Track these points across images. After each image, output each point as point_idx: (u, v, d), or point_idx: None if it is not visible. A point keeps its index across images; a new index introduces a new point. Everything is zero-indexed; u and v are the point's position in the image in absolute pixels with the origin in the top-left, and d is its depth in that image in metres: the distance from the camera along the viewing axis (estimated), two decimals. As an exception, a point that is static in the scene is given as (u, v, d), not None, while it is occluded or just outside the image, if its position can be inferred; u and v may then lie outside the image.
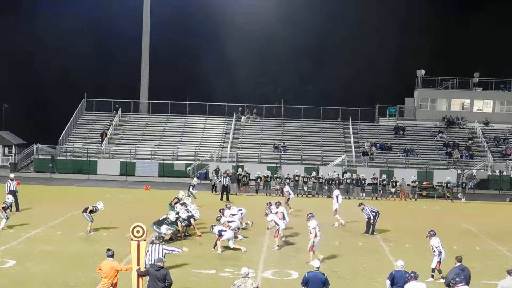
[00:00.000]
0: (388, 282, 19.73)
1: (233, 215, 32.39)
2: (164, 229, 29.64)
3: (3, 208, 33.31)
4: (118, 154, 70.99)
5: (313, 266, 19.59)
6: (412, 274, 18.80)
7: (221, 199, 48.89)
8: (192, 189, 43.93)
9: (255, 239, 32.10)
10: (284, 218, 31.01)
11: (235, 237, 30.56)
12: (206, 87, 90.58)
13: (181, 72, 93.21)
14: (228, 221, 30.70)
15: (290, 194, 43.34)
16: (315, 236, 27.25)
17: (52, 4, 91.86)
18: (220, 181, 52.65)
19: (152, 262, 21.36)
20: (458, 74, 78.74)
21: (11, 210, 35.40)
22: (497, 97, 78.66)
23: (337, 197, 38.52)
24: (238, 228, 32.02)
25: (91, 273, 23.24)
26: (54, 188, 54.70)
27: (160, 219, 30.93)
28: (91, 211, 32.71)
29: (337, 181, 53.80)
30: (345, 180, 55.22)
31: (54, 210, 39.56)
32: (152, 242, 23.03)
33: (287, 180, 54.06)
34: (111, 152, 71.35)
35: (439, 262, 24.72)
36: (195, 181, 46.48)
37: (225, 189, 50.19)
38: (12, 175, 41.95)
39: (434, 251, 24.95)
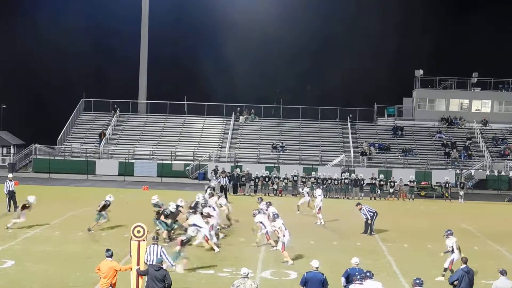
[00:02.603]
0: (343, 279, 19.76)
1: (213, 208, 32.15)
2: (190, 231, 28.83)
3: (24, 206, 33.30)
4: (117, 154, 71.01)
5: (312, 266, 19.58)
6: (368, 274, 18.81)
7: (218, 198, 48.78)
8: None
9: (254, 239, 32.09)
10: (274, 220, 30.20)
11: (217, 235, 30.64)
12: (204, 87, 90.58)
13: (180, 72, 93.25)
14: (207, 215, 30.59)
15: (305, 195, 42.51)
16: (284, 235, 27.45)
17: (50, 4, 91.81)
18: (219, 181, 52.54)
19: (150, 263, 21.37)
20: (457, 74, 78.84)
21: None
22: (495, 97, 78.70)
23: (319, 196, 38.71)
24: (219, 228, 31.99)
25: (90, 273, 23.25)
26: (52, 189, 54.68)
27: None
28: (104, 207, 32.87)
29: (328, 181, 54.27)
30: (343, 180, 55.30)
31: (53, 210, 39.55)
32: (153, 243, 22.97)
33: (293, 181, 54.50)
34: (110, 152, 71.36)
35: (451, 261, 24.84)
36: (213, 183, 45.78)
37: (223, 189, 50.12)
38: (10, 175, 41.92)
39: (451, 251, 25.21)
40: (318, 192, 39.27)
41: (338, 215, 41.00)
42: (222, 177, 51.38)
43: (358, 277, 18.62)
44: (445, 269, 24.95)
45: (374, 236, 34.22)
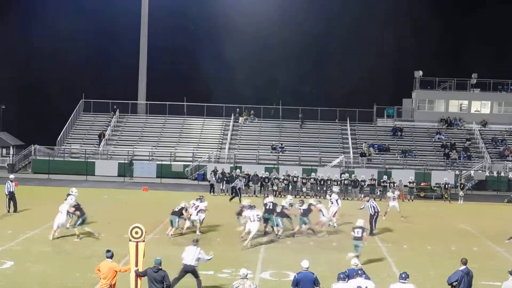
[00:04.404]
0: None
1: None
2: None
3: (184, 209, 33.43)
4: (116, 155, 70.94)
5: (302, 266, 19.59)
6: (360, 271, 18.84)
7: (230, 200, 48.14)
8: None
9: (254, 239, 32.09)
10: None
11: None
12: (203, 88, 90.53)
13: (179, 73, 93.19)
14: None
15: (337, 204, 38.41)
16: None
17: (51, 5, 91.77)
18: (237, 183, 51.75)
19: (187, 263, 22.05)
20: (456, 75, 78.88)
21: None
22: (495, 98, 78.70)
23: (336, 200, 38.29)
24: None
25: (89, 274, 23.27)
26: (51, 189, 54.64)
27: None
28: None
29: (328, 182, 54.46)
30: (343, 181, 55.27)
31: (52, 211, 39.47)
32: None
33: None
34: (109, 153, 71.32)
35: None
36: (336, 189, 44.41)
37: (239, 192, 49.38)
38: (12, 176, 41.95)
39: None
40: (335, 197, 38.74)
41: (338, 215, 40.92)
42: (239, 179, 50.80)
43: (342, 276, 18.60)
44: None
45: (373, 237, 34.22)
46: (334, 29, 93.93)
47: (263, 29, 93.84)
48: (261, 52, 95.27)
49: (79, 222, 31.57)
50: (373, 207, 35.10)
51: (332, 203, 37.90)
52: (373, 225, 35.02)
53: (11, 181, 39.74)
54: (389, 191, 46.46)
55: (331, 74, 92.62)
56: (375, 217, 35.06)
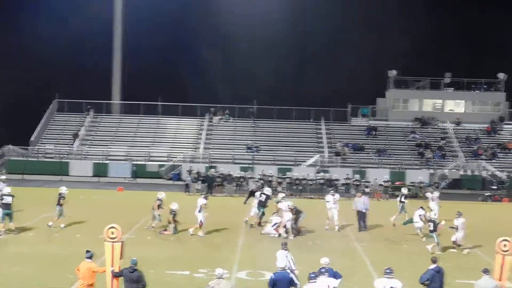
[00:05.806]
0: None
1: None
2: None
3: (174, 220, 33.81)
4: (91, 155, 70.61)
5: (278, 267, 19.64)
6: (323, 270, 18.96)
7: (245, 203, 47.65)
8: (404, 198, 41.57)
9: (230, 239, 32.13)
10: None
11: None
12: (178, 87, 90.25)
13: (154, 72, 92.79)
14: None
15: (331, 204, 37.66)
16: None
17: (23, 5, 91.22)
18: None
19: (281, 267, 21.22)
20: (430, 74, 79.27)
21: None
22: (468, 98, 79.18)
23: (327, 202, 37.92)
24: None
25: (67, 274, 23.18)
26: (26, 190, 54.24)
27: None
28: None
29: (303, 182, 54.74)
30: (317, 180, 55.40)
31: (27, 212, 39.24)
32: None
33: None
34: (84, 153, 70.99)
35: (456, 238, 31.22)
36: (404, 191, 43.66)
37: (252, 194, 49.06)
38: (3, 177, 41.65)
39: (455, 228, 31.44)
40: (338, 196, 38.53)
41: (312, 215, 40.99)
42: (252, 181, 51.03)
43: (313, 275, 18.67)
44: (453, 242, 31.41)
45: (349, 236, 34.36)
46: (310, 29, 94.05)
47: (240, 28, 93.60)
48: (237, 51, 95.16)
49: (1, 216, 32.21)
50: (365, 204, 35.36)
51: (334, 203, 37.04)
52: (364, 222, 35.33)
53: (3, 182, 39.38)
54: (427, 191, 46.29)
55: (306, 74, 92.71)
56: (365, 214, 35.30)
